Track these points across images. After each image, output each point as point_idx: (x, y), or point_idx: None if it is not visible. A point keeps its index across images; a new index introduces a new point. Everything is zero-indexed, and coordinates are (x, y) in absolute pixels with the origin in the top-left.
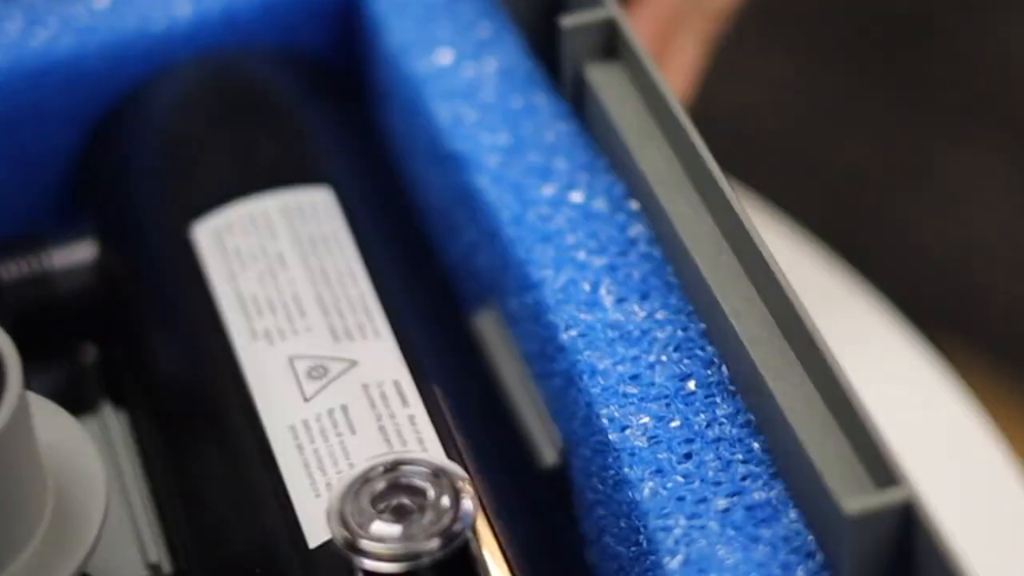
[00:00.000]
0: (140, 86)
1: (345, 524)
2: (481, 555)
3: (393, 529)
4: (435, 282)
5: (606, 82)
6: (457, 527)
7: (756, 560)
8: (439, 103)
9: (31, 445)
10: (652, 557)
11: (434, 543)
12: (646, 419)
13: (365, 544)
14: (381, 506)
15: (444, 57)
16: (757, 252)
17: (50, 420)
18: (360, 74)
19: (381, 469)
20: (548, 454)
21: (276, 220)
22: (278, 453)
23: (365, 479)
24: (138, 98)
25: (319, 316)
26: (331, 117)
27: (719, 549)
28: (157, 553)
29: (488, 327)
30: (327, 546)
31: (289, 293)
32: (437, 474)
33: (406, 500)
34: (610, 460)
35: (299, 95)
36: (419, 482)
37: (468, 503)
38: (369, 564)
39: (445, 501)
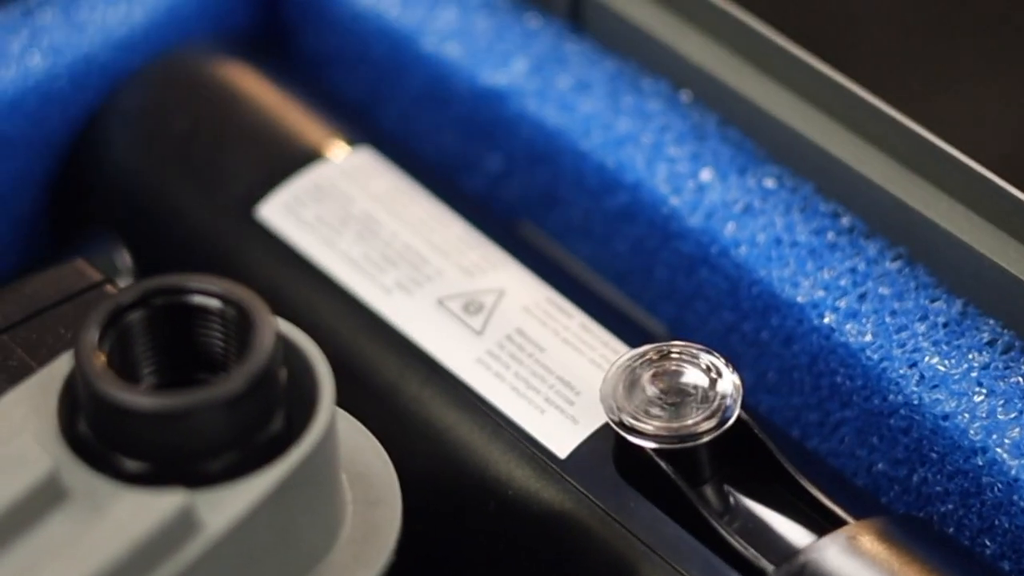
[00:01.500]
0: (105, 99)
1: (620, 409)
2: (759, 432)
3: (667, 412)
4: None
5: None
6: (728, 408)
7: None
8: (439, 47)
9: (337, 460)
10: None
11: (708, 423)
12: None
13: (641, 425)
14: (651, 392)
15: (421, 4)
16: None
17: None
18: (287, 48)
19: (651, 356)
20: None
21: (342, 184)
22: (477, 387)
23: (631, 368)
24: (115, 110)
25: (441, 259)
26: (302, 90)
27: None
28: None
29: (534, 238)
30: (577, 453)
31: (399, 245)
32: (699, 358)
33: (674, 385)
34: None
35: (271, 75)
36: (684, 368)
37: (735, 385)
38: (643, 443)
39: (711, 384)
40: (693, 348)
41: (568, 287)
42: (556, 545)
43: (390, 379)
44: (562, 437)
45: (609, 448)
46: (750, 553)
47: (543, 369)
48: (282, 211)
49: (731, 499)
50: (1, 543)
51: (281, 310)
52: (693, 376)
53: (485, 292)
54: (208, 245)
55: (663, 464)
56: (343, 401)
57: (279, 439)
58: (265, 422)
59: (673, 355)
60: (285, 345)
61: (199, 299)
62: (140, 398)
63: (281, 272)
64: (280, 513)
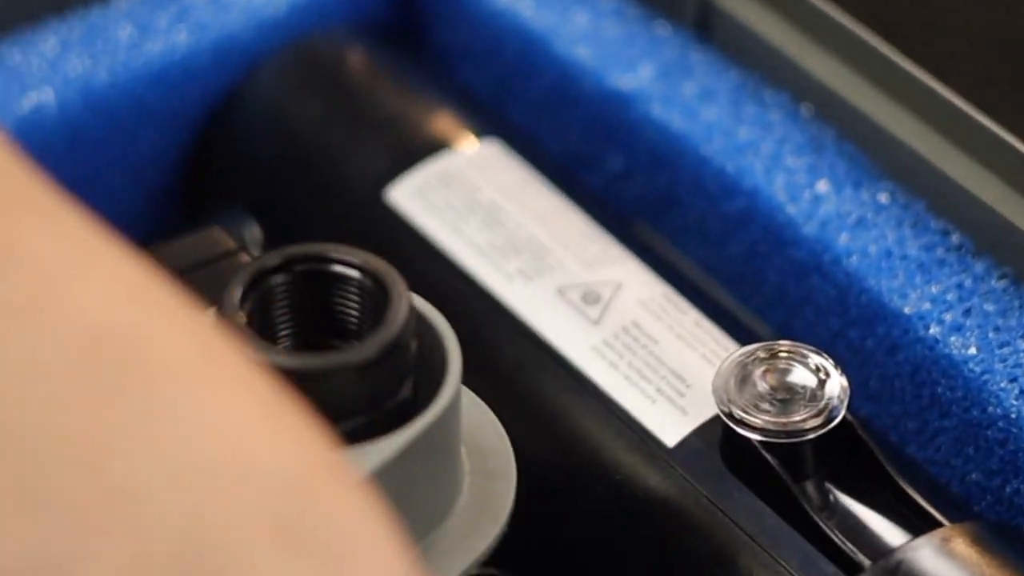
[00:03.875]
0: (244, 78)
1: (731, 401)
2: (863, 433)
3: (776, 408)
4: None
5: (739, 5)
6: (835, 407)
7: None
8: (569, 49)
9: (458, 432)
10: None
11: (815, 420)
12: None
13: (750, 418)
14: (761, 388)
15: (555, 7)
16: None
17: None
18: (419, 40)
19: (762, 354)
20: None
21: (470, 173)
22: (591, 374)
23: (743, 364)
24: (253, 89)
25: (562, 250)
26: (434, 81)
27: None
28: None
29: (649, 238)
30: (688, 441)
31: (521, 236)
32: (808, 359)
33: (784, 383)
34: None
35: (404, 65)
36: (793, 367)
37: (842, 386)
38: (751, 435)
39: (819, 384)
40: (803, 349)
41: (681, 286)
42: (659, 530)
43: (509, 363)
44: (671, 427)
45: (716, 439)
46: (848, 548)
47: (656, 361)
48: (411, 195)
49: (831, 496)
50: None
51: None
52: (802, 375)
53: (603, 284)
54: (336, 224)
55: (769, 457)
56: (464, 381)
57: (406, 408)
58: (394, 390)
59: (783, 354)
60: (416, 318)
61: (339, 268)
62: (278, 357)
63: (407, 254)
64: (401, 479)
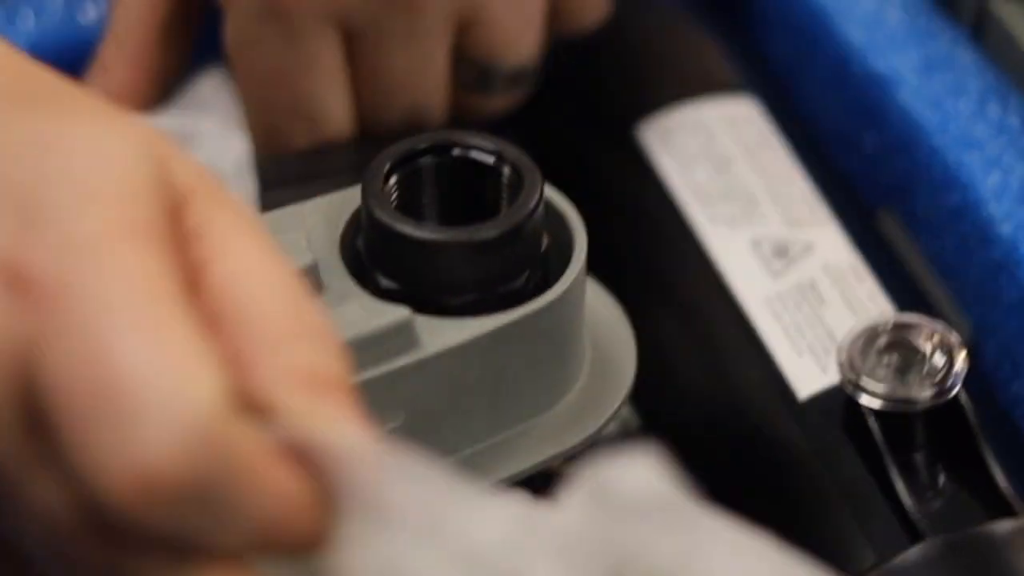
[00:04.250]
0: None
1: (852, 367)
2: (971, 418)
3: (892, 376)
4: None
5: (1013, 14)
6: (950, 383)
7: None
8: (849, 28)
9: (568, 331)
10: None
11: (928, 392)
12: None
13: (867, 384)
14: (884, 359)
15: None
16: None
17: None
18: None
19: (887, 326)
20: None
21: (715, 125)
22: (757, 321)
23: (871, 333)
24: None
25: (771, 206)
26: (726, 39)
27: None
28: (625, 411)
29: (890, 224)
30: (818, 398)
31: (740, 186)
32: (935, 336)
33: (905, 355)
34: None
35: (696, 19)
36: (918, 341)
37: (961, 364)
38: (865, 401)
39: (939, 360)
40: (933, 325)
41: (890, 267)
42: (770, 473)
43: (687, 291)
44: (807, 382)
45: (841, 401)
46: (924, 523)
47: (816, 320)
48: (658, 135)
49: (927, 471)
50: None
51: (628, 220)
52: (923, 349)
53: (795, 243)
54: (585, 154)
55: (873, 423)
56: (643, 306)
57: (519, 296)
58: (508, 277)
59: (912, 326)
60: (553, 216)
61: (479, 155)
62: (404, 225)
63: (640, 183)
64: (496, 359)
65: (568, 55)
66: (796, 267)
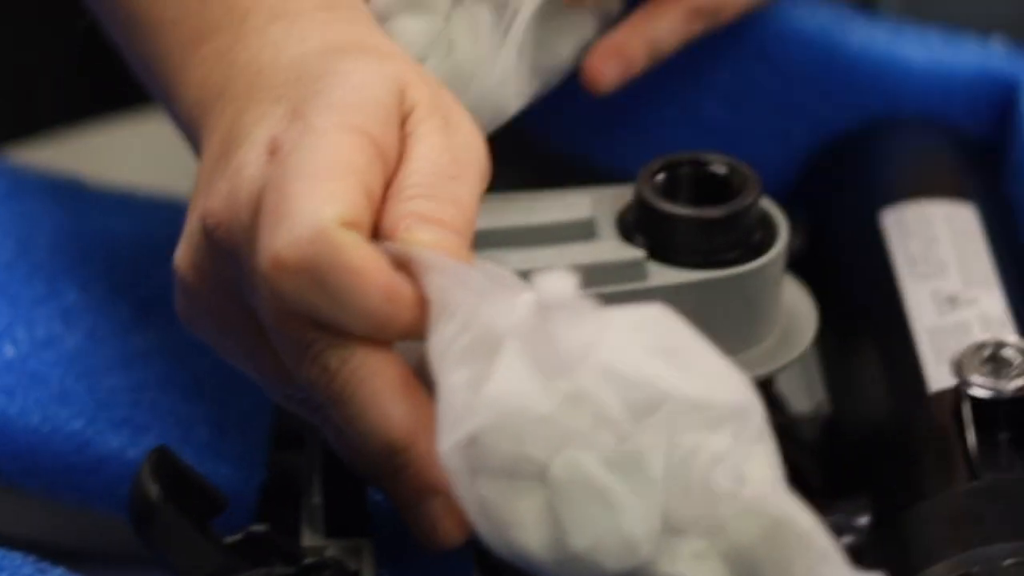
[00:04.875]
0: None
1: (962, 368)
2: None
3: (990, 374)
4: None
5: None
6: None
7: None
8: None
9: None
10: None
11: (1012, 387)
12: None
13: (973, 378)
14: (987, 364)
15: None
16: None
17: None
18: (1002, 150)
19: (989, 344)
20: None
21: (936, 214)
22: (919, 339)
23: (976, 348)
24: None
25: (956, 272)
26: (973, 168)
27: None
28: (821, 396)
29: None
30: (940, 394)
31: (939, 256)
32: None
33: (1001, 361)
34: None
35: (958, 149)
36: (1009, 354)
37: None
38: (969, 389)
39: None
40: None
41: None
42: (880, 446)
43: (879, 321)
44: (938, 381)
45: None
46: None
47: (961, 342)
48: (895, 220)
49: (1007, 458)
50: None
51: (862, 267)
52: (1015, 360)
53: (965, 297)
54: (853, 225)
55: (965, 410)
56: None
57: (728, 263)
58: (724, 249)
59: (1007, 344)
60: (765, 213)
61: (717, 167)
62: (658, 199)
63: (870, 253)
64: (706, 304)
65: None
66: (959, 312)
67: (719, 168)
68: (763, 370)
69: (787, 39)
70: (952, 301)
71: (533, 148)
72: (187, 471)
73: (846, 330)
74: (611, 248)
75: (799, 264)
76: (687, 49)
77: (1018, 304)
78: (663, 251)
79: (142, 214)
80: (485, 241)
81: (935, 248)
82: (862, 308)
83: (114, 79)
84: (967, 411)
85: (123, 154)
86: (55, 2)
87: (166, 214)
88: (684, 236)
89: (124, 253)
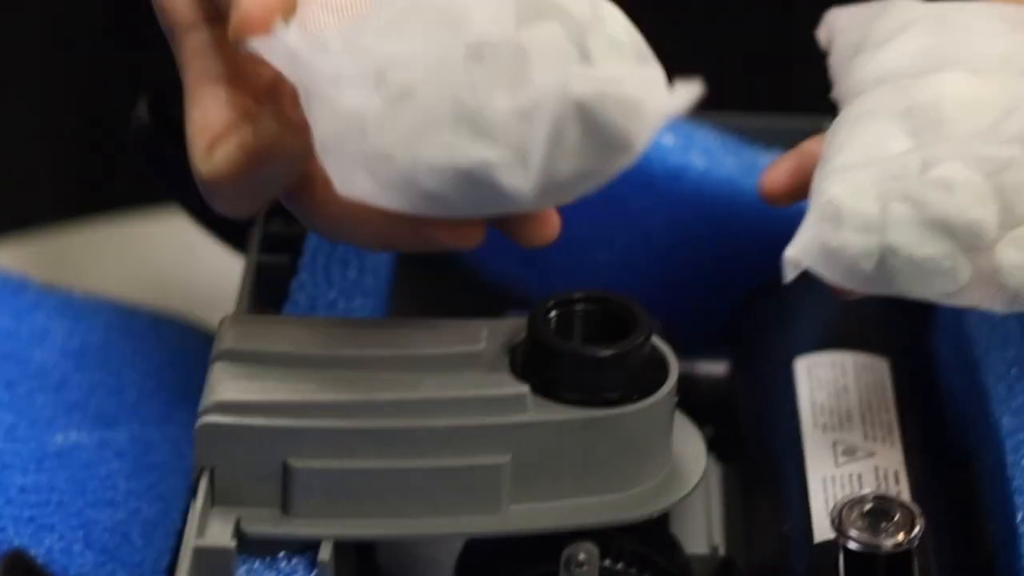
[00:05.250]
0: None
1: (841, 521)
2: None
3: (867, 528)
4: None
5: None
6: (907, 541)
7: None
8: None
9: (671, 418)
10: None
11: (890, 543)
12: None
13: (850, 531)
14: (866, 518)
15: None
16: None
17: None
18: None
19: (869, 498)
20: None
21: (848, 365)
22: (812, 492)
23: (856, 501)
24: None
25: (859, 423)
26: (896, 320)
27: None
28: (719, 538)
29: None
30: (825, 544)
31: (845, 409)
32: (903, 507)
33: (881, 515)
34: None
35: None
36: (890, 509)
37: (918, 529)
38: (847, 543)
39: (903, 522)
40: (902, 500)
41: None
42: None
43: (779, 470)
44: (823, 533)
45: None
46: None
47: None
48: (805, 368)
49: None
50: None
51: (770, 415)
52: (895, 514)
53: (862, 450)
54: (766, 373)
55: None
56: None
57: (611, 402)
58: (610, 387)
59: (889, 499)
60: (656, 353)
61: (609, 307)
62: (545, 334)
63: (781, 402)
64: (590, 441)
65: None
66: (855, 464)
67: (612, 307)
68: (647, 510)
69: (720, 191)
70: (850, 452)
71: (471, 276)
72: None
73: (751, 475)
74: (495, 380)
75: (721, 408)
76: (621, 198)
77: (918, 459)
78: (549, 386)
79: (79, 317)
80: (373, 366)
81: (843, 399)
82: (767, 454)
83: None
84: (842, 565)
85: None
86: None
87: (104, 318)
88: (569, 373)
89: (54, 354)
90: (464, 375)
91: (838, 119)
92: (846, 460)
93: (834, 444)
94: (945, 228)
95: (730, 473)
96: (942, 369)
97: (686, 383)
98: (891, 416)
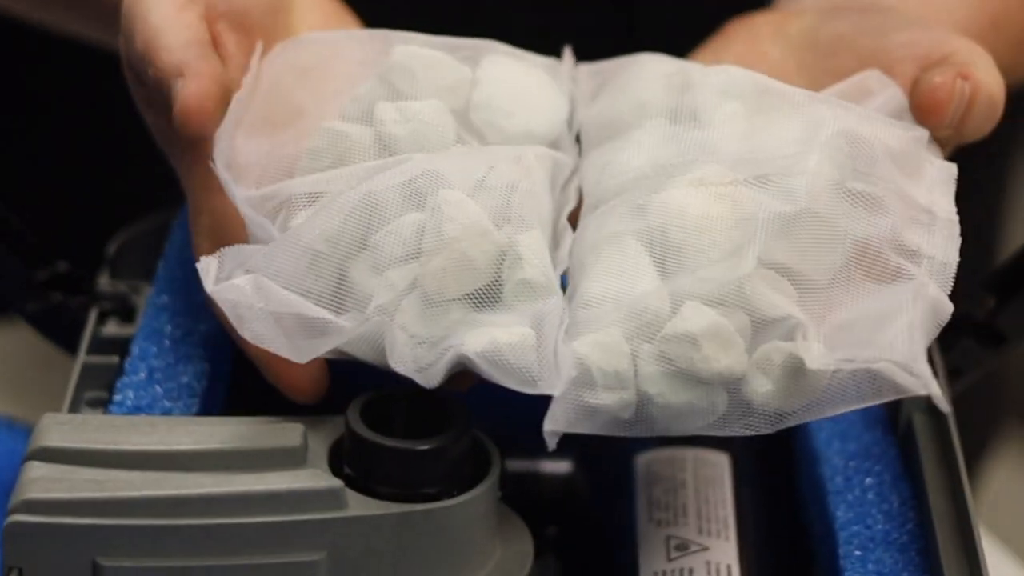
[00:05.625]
0: None
1: None
2: None
3: None
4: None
5: None
6: None
7: None
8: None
9: (494, 515)
10: None
11: None
12: None
13: None
14: None
15: None
16: None
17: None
18: None
19: None
20: None
21: (687, 460)
22: None
23: None
24: None
25: (694, 518)
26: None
27: None
28: None
29: None
30: None
31: (680, 504)
32: None
33: None
34: None
35: None
36: None
37: None
38: None
39: None
40: None
41: None
42: None
43: (622, 565)
44: None
45: None
46: None
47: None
48: (644, 464)
49: None
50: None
51: (610, 514)
52: None
53: (697, 544)
54: (607, 470)
55: None
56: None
57: (431, 498)
58: (428, 482)
59: None
60: (479, 448)
61: (428, 403)
62: (362, 430)
63: (620, 495)
64: (408, 536)
65: None
66: (687, 559)
67: (431, 403)
68: None
69: None
70: (683, 547)
71: None
72: None
73: (591, 570)
74: (310, 476)
75: (565, 506)
76: None
77: (753, 554)
78: (366, 481)
79: None
80: (186, 463)
81: (680, 494)
82: (605, 550)
83: None
84: None
85: None
86: None
87: None
88: (387, 467)
89: None
90: (279, 471)
91: (578, 235)
92: (679, 555)
93: (667, 539)
94: (696, 379)
95: (570, 571)
96: (788, 462)
97: (530, 481)
98: (727, 511)
